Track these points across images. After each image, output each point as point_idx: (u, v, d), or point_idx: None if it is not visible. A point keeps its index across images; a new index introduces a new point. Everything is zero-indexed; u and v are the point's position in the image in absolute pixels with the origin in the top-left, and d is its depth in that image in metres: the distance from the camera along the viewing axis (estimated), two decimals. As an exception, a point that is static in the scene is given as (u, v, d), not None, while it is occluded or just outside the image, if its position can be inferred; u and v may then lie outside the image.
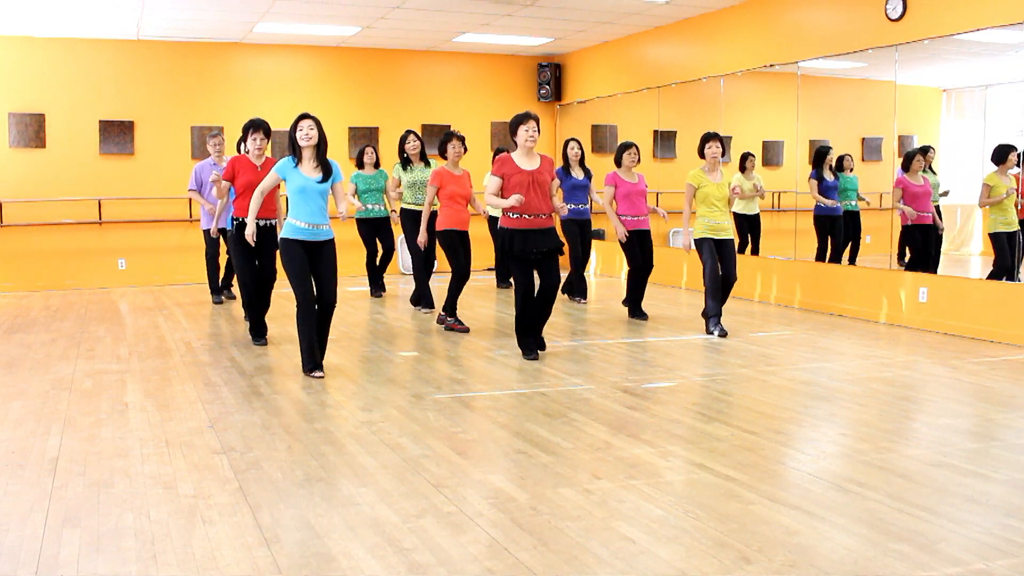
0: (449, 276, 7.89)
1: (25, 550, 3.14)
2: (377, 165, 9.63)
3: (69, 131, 11.25)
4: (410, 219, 8.87)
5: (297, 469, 4.04)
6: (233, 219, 7.03)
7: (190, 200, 11.51)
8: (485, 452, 4.33)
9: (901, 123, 8.43)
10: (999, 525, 3.33)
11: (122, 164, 11.52)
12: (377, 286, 10.11)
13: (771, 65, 9.51)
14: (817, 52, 8.90)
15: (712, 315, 7.41)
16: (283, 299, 8.83)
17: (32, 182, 11.11)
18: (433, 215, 8.06)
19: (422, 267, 8.82)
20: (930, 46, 7.74)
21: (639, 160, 8.31)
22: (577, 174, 8.92)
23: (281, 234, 5.90)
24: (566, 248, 8.07)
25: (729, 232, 7.45)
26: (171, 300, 10.09)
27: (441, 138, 8.12)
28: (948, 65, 8.64)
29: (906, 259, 8.44)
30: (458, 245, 7.78)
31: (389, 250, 9.76)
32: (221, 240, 9.08)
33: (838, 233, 9.12)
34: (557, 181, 6.67)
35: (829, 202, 9.04)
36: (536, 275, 6.46)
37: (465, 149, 8.12)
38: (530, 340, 6.53)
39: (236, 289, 9.50)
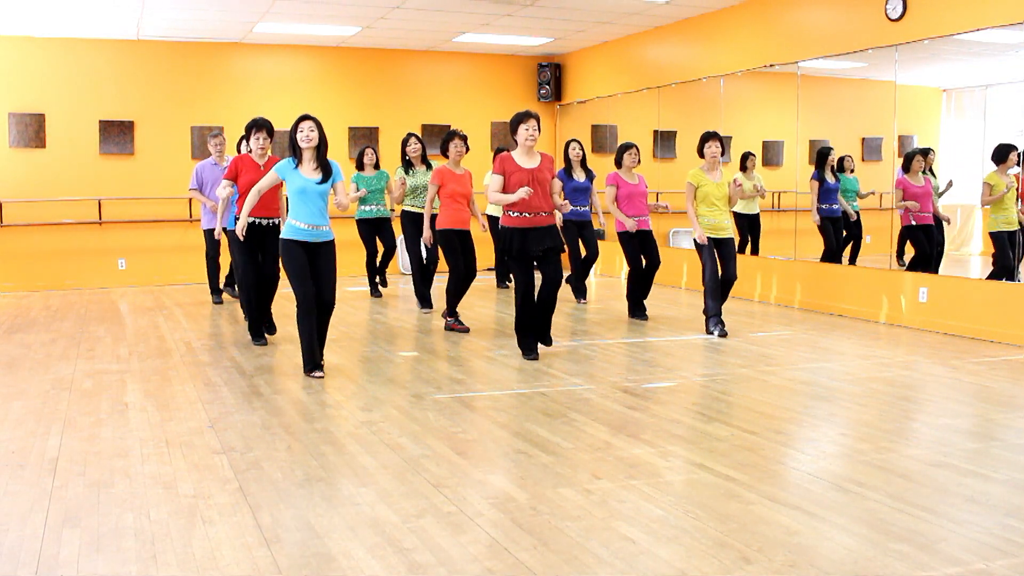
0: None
1: (25, 550, 3.14)
2: (377, 166, 9.63)
3: (69, 131, 11.25)
4: (411, 222, 8.87)
5: (297, 469, 4.04)
6: (236, 218, 7.03)
7: (190, 200, 11.51)
8: (485, 452, 4.33)
9: (901, 123, 8.43)
10: (999, 525, 3.33)
11: (122, 164, 11.52)
12: (377, 286, 10.12)
13: (771, 65, 9.51)
14: (817, 52, 8.90)
15: (712, 315, 7.41)
16: (283, 299, 8.82)
17: (32, 182, 11.11)
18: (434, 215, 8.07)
19: (419, 270, 8.84)
20: (930, 46, 7.74)
21: (639, 161, 8.32)
22: (578, 176, 8.92)
23: (281, 234, 5.90)
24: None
25: (729, 231, 7.46)
26: (171, 300, 10.09)
27: (443, 137, 8.14)
28: (948, 65, 8.64)
29: (905, 258, 8.44)
30: (457, 245, 7.77)
31: (390, 248, 9.76)
32: (223, 240, 9.07)
33: (839, 233, 9.13)
34: (559, 182, 6.67)
35: (844, 204, 9.05)
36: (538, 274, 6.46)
37: (467, 148, 8.13)
38: (530, 340, 6.52)
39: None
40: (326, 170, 5.82)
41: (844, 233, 9.16)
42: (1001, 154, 7.64)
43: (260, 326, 7.16)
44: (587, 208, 9.02)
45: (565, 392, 5.49)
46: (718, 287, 7.39)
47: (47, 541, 3.22)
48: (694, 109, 11.07)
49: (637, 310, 8.31)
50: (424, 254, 8.78)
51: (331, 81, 12.45)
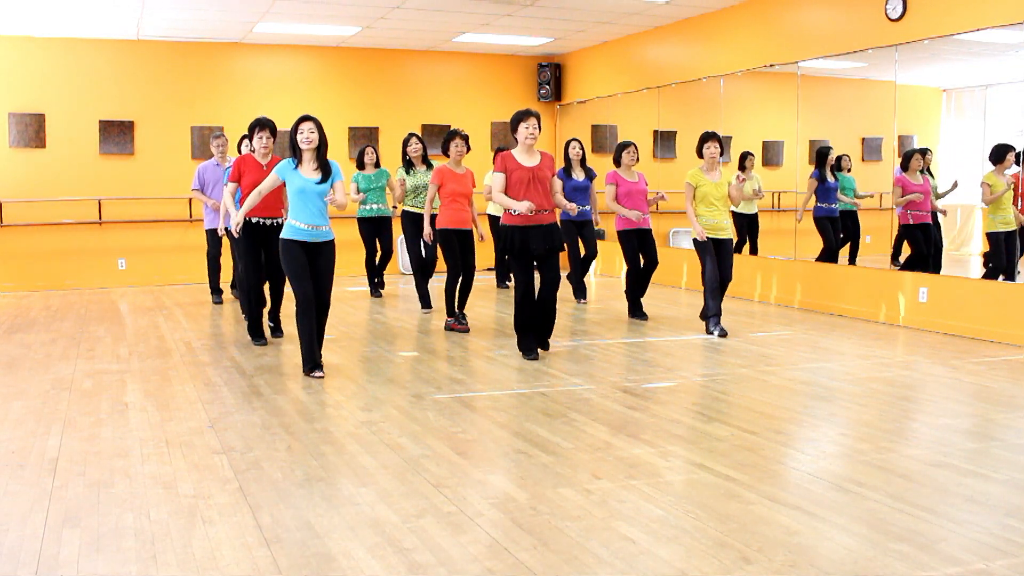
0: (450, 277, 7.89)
1: (25, 550, 3.14)
2: (377, 165, 9.64)
3: (69, 131, 11.25)
4: (411, 222, 8.87)
5: (297, 469, 4.04)
6: None
7: (190, 200, 11.51)
8: (485, 452, 4.33)
9: (901, 123, 8.43)
10: (999, 525, 3.33)
11: (122, 164, 11.52)
12: (376, 286, 10.12)
13: (771, 65, 9.51)
14: (817, 52, 8.90)
15: (712, 315, 7.41)
16: (283, 299, 8.81)
17: (32, 182, 11.11)
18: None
19: (419, 269, 8.85)
20: (930, 46, 7.75)
21: (638, 159, 8.32)
22: (578, 175, 8.92)
23: (281, 234, 5.91)
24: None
25: (728, 232, 7.46)
26: (171, 300, 10.09)
27: (444, 136, 8.13)
28: (948, 65, 8.64)
29: (901, 259, 8.44)
30: (456, 245, 7.77)
31: (387, 252, 9.78)
32: (224, 240, 9.07)
33: (837, 232, 9.13)
34: (560, 182, 6.68)
35: (846, 199, 9.05)
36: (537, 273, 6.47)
37: (468, 148, 8.13)
38: (530, 339, 6.53)
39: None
40: (326, 170, 5.83)
41: (842, 235, 9.17)
42: (999, 154, 7.65)
43: (260, 326, 7.16)
44: (587, 207, 9.02)
45: (565, 392, 5.49)
46: (718, 287, 7.39)
47: (47, 541, 3.22)
48: (694, 109, 11.07)
49: (637, 310, 8.31)
50: (424, 253, 8.78)
51: (331, 81, 12.45)
